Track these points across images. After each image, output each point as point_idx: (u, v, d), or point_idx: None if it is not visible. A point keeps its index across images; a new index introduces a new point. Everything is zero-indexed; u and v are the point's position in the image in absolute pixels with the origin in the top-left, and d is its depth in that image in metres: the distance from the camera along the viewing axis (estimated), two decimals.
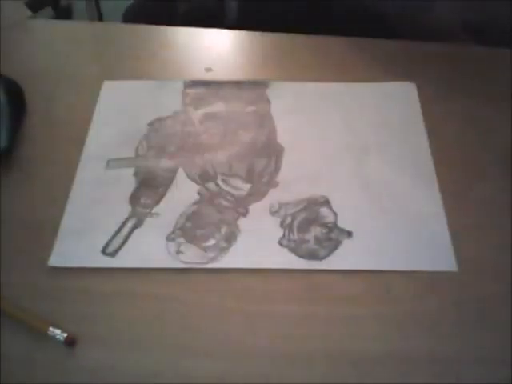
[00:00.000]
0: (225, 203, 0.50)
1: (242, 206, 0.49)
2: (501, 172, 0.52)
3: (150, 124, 0.56)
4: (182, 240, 0.47)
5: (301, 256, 0.47)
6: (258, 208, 0.49)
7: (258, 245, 0.47)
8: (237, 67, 0.62)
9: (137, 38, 0.65)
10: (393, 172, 0.52)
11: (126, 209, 0.49)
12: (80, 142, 0.54)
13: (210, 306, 0.44)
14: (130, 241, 0.47)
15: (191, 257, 0.46)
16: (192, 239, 0.47)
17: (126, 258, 0.46)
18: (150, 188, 0.51)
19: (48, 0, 1.37)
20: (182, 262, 0.46)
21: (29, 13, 0.69)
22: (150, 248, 0.47)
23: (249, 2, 0.66)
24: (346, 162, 0.53)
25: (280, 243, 0.47)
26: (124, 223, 0.48)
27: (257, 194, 0.50)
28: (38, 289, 0.45)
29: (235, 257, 0.46)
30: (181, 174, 0.52)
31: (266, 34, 0.65)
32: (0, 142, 0.52)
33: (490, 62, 0.60)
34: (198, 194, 0.50)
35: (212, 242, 0.47)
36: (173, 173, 0.52)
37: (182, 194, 0.50)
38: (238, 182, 0.51)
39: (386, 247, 0.47)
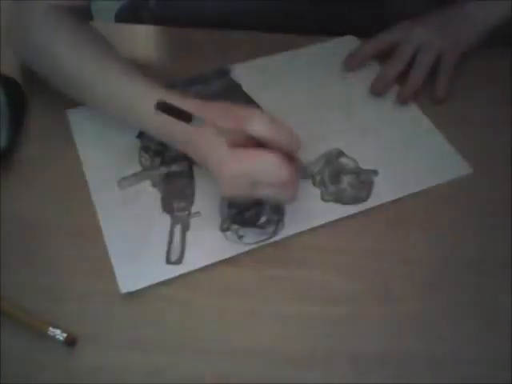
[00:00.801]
0: None
1: None
2: (501, 172, 0.52)
3: (139, 136, 0.54)
4: (235, 226, 0.47)
5: (346, 203, 0.49)
6: None
7: (306, 207, 0.49)
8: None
9: (129, 38, 0.65)
10: (382, 113, 0.56)
11: (165, 218, 0.48)
12: None
13: (210, 306, 0.44)
14: (188, 245, 0.47)
15: (253, 237, 0.47)
16: (244, 222, 0.47)
17: (193, 261, 0.46)
18: (176, 192, 0.50)
19: None
20: (246, 244, 0.46)
21: None
22: (211, 243, 0.47)
23: (250, 2, 0.66)
24: (338, 116, 0.56)
25: (323, 199, 0.49)
26: (172, 232, 0.47)
27: None
28: (38, 289, 0.45)
29: (293, 224, 0.48)
30: (196, 170, 0.51)
31: (266, 33, 0.65)
32: (0, 141, 0.52)
33: (490, 61, 0.60)
34: None
35: (263, 218, 0.48)
36: (188, 171, 0.51)
37: (210, 186, 0.49)
38: None
39: (407, 174, 0.51)
